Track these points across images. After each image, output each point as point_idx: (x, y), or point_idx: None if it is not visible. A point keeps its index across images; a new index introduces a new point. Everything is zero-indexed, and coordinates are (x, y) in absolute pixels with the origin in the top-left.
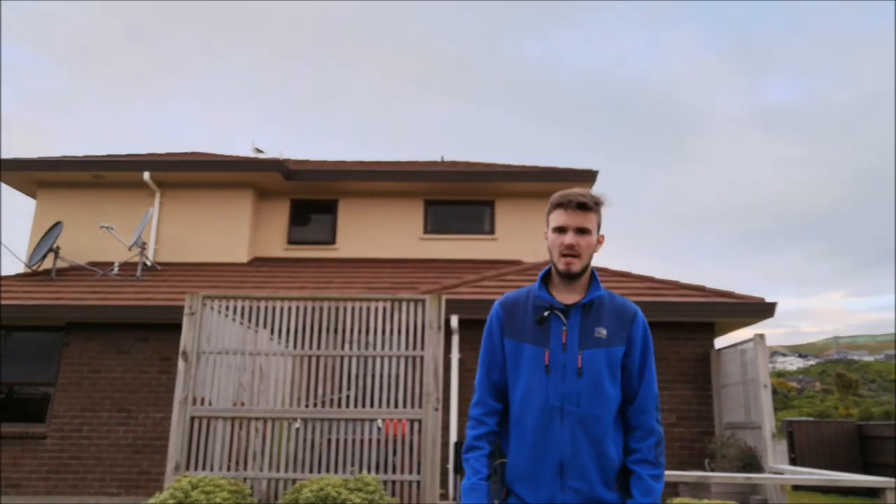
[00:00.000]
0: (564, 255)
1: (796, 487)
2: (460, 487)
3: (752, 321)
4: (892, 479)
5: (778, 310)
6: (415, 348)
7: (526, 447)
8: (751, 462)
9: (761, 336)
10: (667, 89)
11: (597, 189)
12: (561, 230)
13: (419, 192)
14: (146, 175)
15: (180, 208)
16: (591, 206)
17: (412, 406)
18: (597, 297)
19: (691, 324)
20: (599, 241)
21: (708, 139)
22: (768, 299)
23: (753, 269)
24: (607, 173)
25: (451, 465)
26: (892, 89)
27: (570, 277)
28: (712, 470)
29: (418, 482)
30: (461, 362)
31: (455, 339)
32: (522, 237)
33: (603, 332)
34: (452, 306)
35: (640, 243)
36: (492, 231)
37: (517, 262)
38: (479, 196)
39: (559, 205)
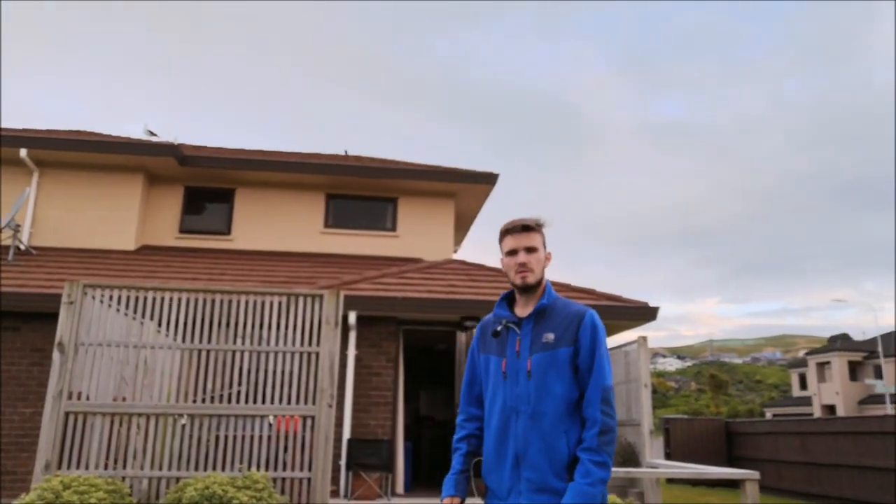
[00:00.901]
0: (519, 272)
1: (670, 481)
2: (349, 482)
3: (636, 324)
4: (752, 472)
5: (660, 314)
6: (310, 344)
7: (491, 444)
8: (630, 457)
9: (644, 338)
10: (567, 99)
11: (497, 191)
12: (513, 252)
13: (321, 186)
14: (23, 152)
15: (62, 190)
16: (534, 228)
17: (306, 402)
18: (544, 305)
19: None
20: (547, 258)
21: (603, 149)
22: (652, 304)
23: (640, 275)
24: (509, 177)
25: (343, 462)
26: (768, 114)
27: (527, 290)
28: None
29: (309, 479)
30: (358, 359)
31: (352, 336)
32: (424, 235)
33: (550, 336)
34: (351, 302)
35: None
36: (394, 228)
37: (418, 261)
38: (382, 192)
39: (507, 231)
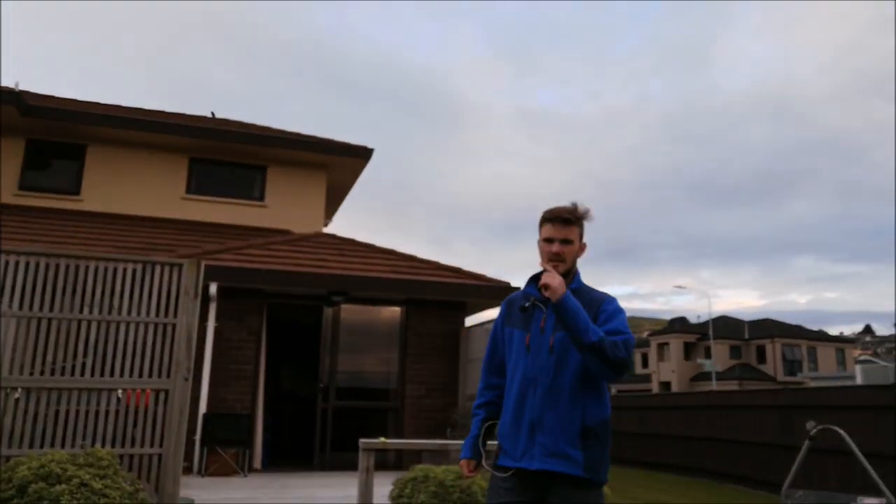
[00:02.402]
0: (551, 260)
1: None
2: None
3: (498, 302)
4: None
5: None
6: (167, 315)
7: (509, 411)
8: (487, 430)
9: None
10: (446, 79)
11: (372, 166)
12: (549, 241)
13: (184, 148)
14: None
15: None
16: (573, 221)
17: (160, 376)
18: (573, 289)
19: (447, 302)
20: (582, 248)
21: (479, 132)
22: (514, 283)
23: (506, 256)
24: (384, 152)
25: (198, 438)
26: (631, 111)
27: None
28: (453, 438)
29: (160, 455)
30: (218, 332)
31: (213, 308)
32: (294, 207)
33: None
34: (213, 273)
35: (408, 223)
36: (262, 198)
37: (287, 232)
38: (251, 160)
39: (548, 220)
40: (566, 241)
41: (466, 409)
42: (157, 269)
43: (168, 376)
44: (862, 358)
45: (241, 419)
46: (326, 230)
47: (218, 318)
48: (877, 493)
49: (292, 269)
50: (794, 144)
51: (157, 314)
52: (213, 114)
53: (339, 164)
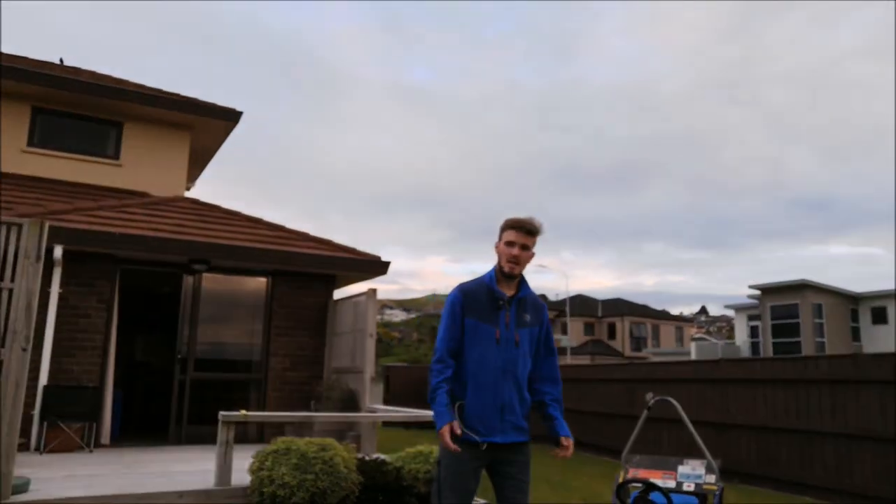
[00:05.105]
0: (509, 262)
1: (386, 424)
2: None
3: (368, 276)
4: None
5: (392, 268)
6: (2, 279)
7: (481, 395)
8: (351, 403)
9: (374, 291)
10: (320, 47)
11: (241, 131)
12: (511, 244)
13: (27, 96)
14: None
15: None
16: (536, 233)
17: None
18: (527, 294)
19: (316, 275)
20: (532, 256)
21: (353, 104)
22: (384, 258)
23: (377, 230)
24: (256, 117)
25: (36, 412)
26: (504, 95)
27: (511, 278)
28: (317, 410)
29: None
30: (64, 298)
31: (57, 273)
32: (153, 168)
33: (527, 317)
34: (58, 235)
35: (276, 192)
36: (116, 156)
37: (144, 195)
38: (105, 114)
39: (513, 227)
40: (525, 248)
41: (332, 381)
42: None
43: (2, 346)
44: (697, 336)
45: (88, 391)
46: (189, 195)
47: (64, 284)
48: (701, 456)
49: (149, 234)
50: (650, 138)
51: None
52: (61, 61)
53: (204, 126)
